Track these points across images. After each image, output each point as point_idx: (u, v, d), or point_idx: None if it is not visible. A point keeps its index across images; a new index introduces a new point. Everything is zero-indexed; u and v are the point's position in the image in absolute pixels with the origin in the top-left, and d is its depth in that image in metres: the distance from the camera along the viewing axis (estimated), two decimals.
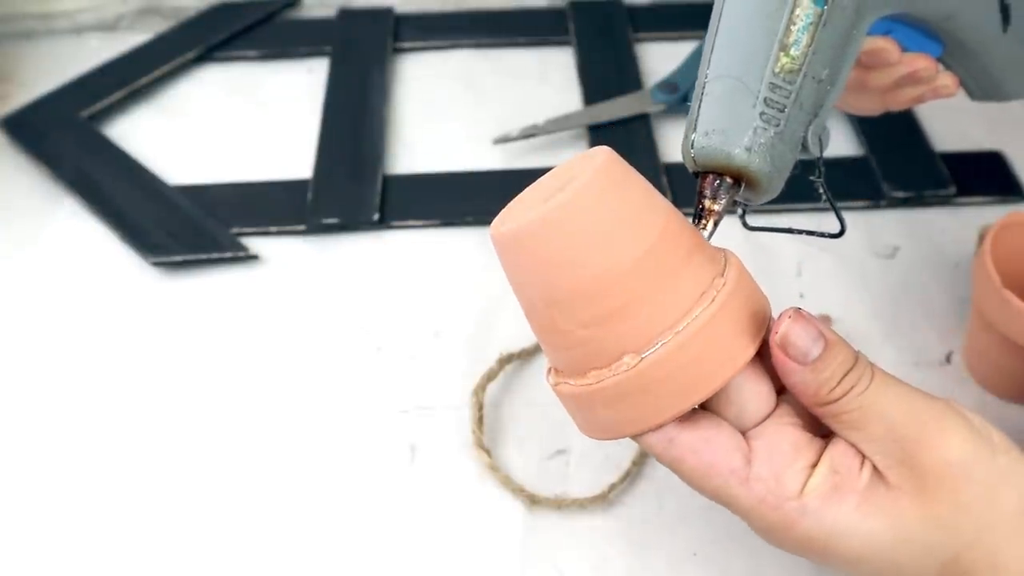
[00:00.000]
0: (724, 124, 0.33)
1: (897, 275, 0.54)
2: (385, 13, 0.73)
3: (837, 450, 0.30)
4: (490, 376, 0.48)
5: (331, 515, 0.44)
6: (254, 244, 0.56)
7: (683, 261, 0.29)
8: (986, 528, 0.29)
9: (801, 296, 0.53)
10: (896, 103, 0.46)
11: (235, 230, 0.56)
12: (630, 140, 0.62)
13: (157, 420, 0.48)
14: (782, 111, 0.35)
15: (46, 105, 0.64)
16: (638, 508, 0.44)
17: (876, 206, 0.58)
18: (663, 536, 0.43)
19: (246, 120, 0.65)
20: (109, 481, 0.45)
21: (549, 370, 0.32)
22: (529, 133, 0.62)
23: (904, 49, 0.44)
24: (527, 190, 0.32)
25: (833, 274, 0.54)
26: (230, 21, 0.71)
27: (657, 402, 0.29)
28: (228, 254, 0.55)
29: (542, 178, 0.32)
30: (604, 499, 0.44)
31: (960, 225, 0.57)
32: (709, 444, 0.30)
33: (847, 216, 0.57)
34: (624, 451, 0.46)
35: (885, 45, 0.43)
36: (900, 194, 0.58)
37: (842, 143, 0.63)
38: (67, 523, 0.44)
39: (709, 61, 0.35)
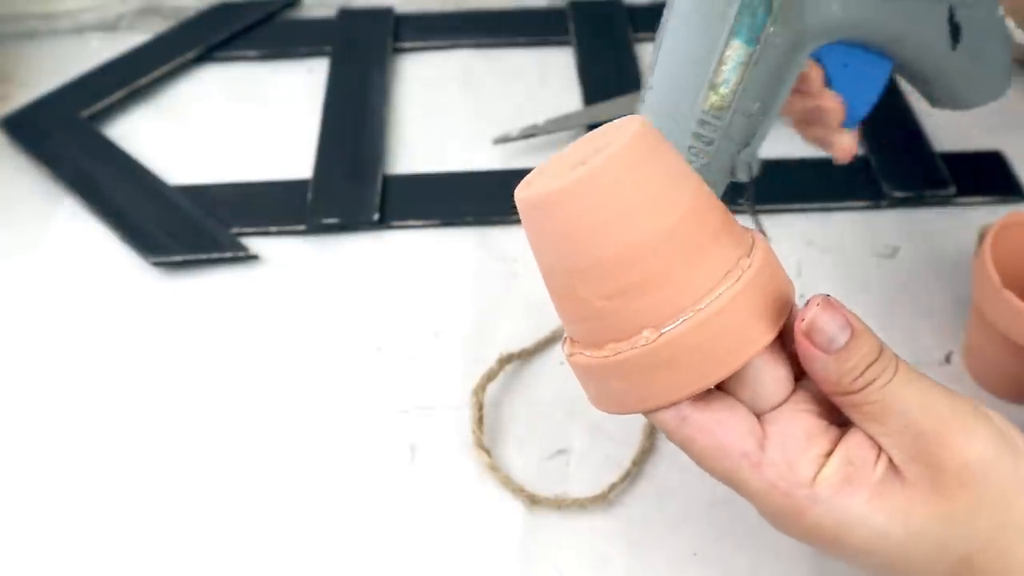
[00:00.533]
0: None
1: (897, 275, 0.54)
2: (385, 13, 0.73)
3: (853, 441, 0.30)
4: (490, 376, 0.48)
5: (331, 515, 0.44)
6: (254, 244, 0.56)
7: (710, 239, 0.29)
8: (1000, 530, 0.29)
9: (801, 296, 0.53)
10: (804, 134, 0.45)
11: (235, 230, 0.56)
12: None
13: (157, 420, 0.48)
14: (710, 144, 0.38)
15: (46, 105, 0.64)
16: (638, 508, 0.44)
17: (876, 206, 0.58)
18: (663, 536, 0.43)
19: (246, 120, 0.65)
20: (110, 481, 0.45)
21: (564, 340, 0.32)
22: (529, 133, 0.62)
23: (828, 83, 0.43)
24: (557, 155, 0.31)
25: (833, 274, 0.54)
26: (230, 21, 0.71)
27: (673, 379, 0.29)
28: (228, 254, 0.55)
29: (574, 143, 0.31)
30: (604, 499, 0.44)
31: (960, 225, 0.56)
32: (722, 426, 0.30)
33: (847, 216, 0.58)
34: (624, 450, 0.46)
35: (811, 73, 0.41)
36: (900, 194, 0.58)
37: None
38: (67, 523, 0.44)
39: (644, 97, 0.37)
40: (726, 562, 0.42)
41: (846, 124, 0.44)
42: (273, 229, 0.56)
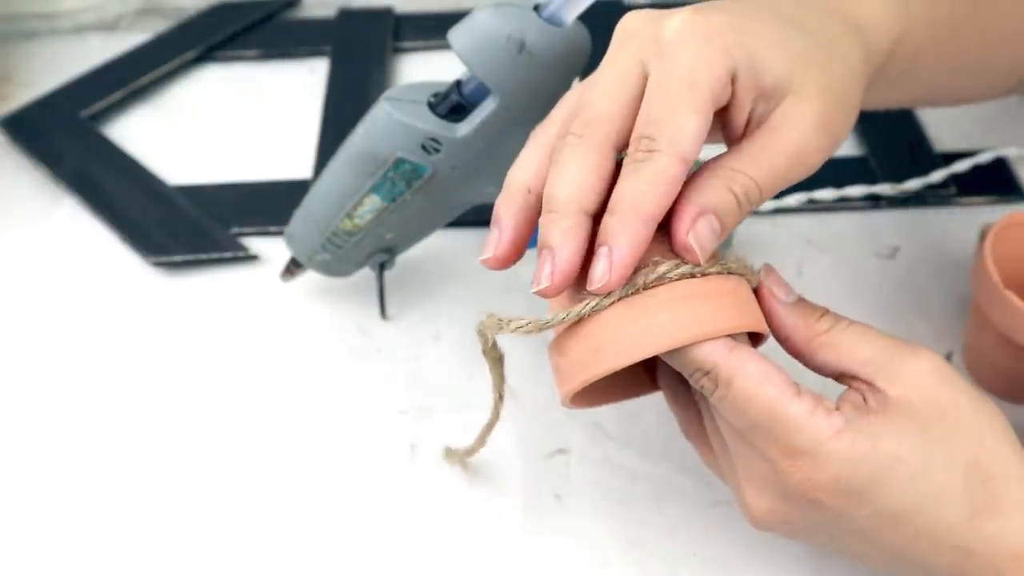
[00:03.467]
0: (300, 237, 0.48)
1: (897, 275, 0.54)
2: (385, 13, 0.73)
3: (847, 391, 0.34)
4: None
5: (331, 515, 0.44)
6: (254, 244, 0.56)
7: None
8: (980, 433, 0.33)
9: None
10: None
11: (235, 230, 0.56)
12: None
13: (157, 420, 0.48)
14: (340, 248, 0.47)
15: (46, 105, 0.64)
16: (638, 508, 0.44)
17: (876, 206, 0.58)
18: (663, 536, 0.43)
19: (246, 120, 0.65)
20: (109, 482, 0.45)
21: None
22: None
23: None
24: None
25: (833, 274, 0.54)
26: (230, 21, 0.71)
27: (722, 309, 0.32)
28: (228, 254, 0.55)
29: None
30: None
31: (960, 225, 0.56)
32: (765, 359, 0.32)
33: (847, 216, 0.58)
34: (625, 450, 0.46)
35: None
36: (900, 194, 0.58)
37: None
38: (66, 522, 0.44)
39: (307, 192, 0.47)
40: (726, 562, 0.42)
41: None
42: (273, 229, 0.56)
